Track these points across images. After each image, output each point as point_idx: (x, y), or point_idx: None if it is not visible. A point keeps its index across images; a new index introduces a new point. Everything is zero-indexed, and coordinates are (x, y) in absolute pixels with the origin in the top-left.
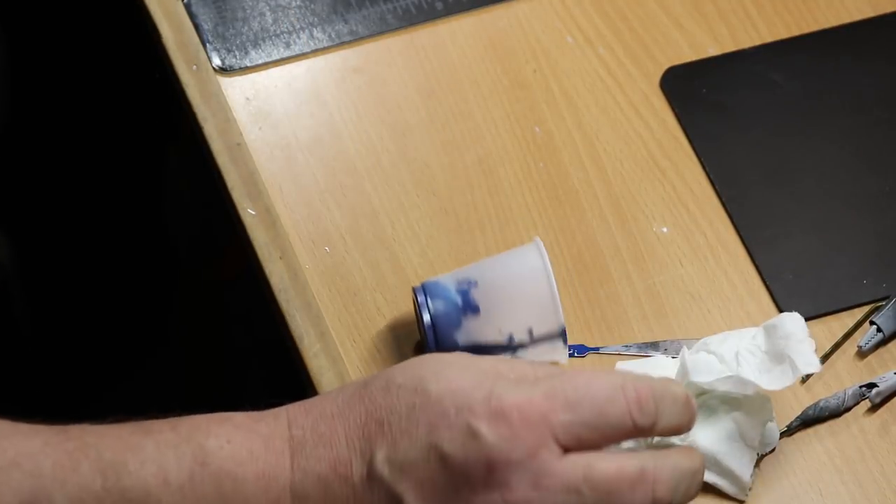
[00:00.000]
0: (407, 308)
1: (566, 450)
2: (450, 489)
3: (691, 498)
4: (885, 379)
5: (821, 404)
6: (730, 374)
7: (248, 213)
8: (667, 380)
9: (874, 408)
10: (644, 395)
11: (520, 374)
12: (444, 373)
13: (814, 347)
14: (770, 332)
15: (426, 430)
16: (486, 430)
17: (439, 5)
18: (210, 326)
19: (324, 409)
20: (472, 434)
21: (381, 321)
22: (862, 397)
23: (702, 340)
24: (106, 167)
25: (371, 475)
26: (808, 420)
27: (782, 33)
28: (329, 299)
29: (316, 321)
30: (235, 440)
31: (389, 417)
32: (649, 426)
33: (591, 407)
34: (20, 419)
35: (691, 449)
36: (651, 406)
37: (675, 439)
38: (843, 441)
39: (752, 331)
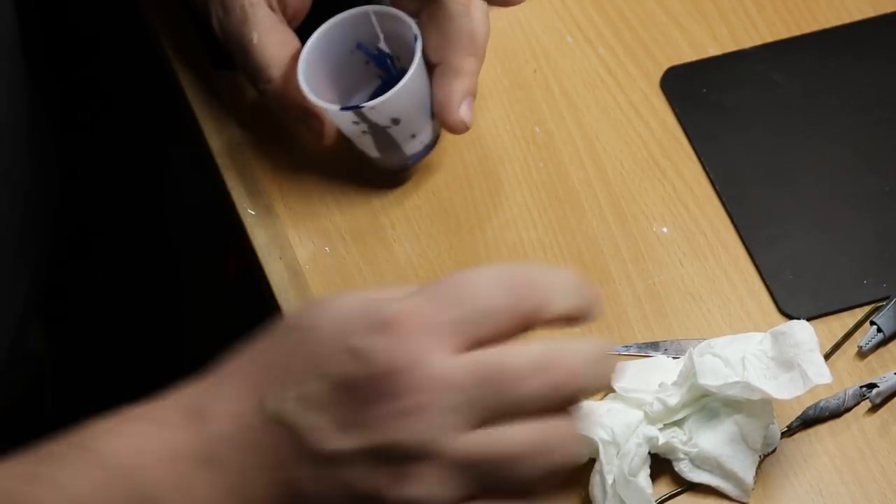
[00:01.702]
0: None
1: (459, 351)
2: (347, 418)
3: (606, 381)
4: (885, 379)
5: (821, 404)
6: (736, 378)
7: (249, 213)
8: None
9: (874, 408)
10: (530, 277)
11: (406, 290)
12: (324, 305)
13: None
14: (778, 338)
15: (309, 364)
16: (366, 345)
17: None
18: (210, 327)
19: (210, 376)
20: (353, 353)
21: None
22: (862, 397)
23: (705, 342)
24: (105, 167)
25: (268, 422)
26: (809, 420)
27: (782, 33)
28: None
29: None
30: (130, 433)
31: (273, 361)
32: (537, 308)
33: (474, 299)
34: None
35: (595, 340)
36: (537, 288)
37: (677, 442)
38: (843, 441)
39: (759, 336)
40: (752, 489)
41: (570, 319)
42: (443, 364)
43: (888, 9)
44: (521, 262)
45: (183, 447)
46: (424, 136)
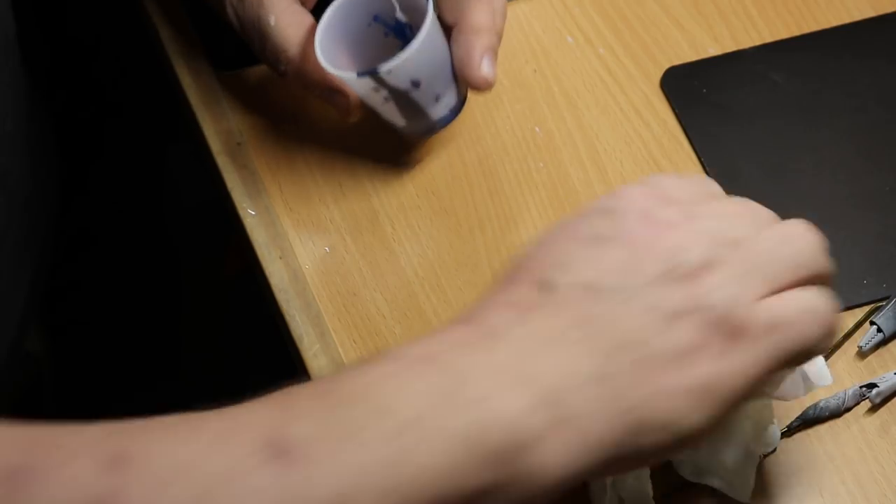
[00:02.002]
0: (407, 309)
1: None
2: (620, 254)
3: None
4: (885, 379)
5: (821, 405)
6: None
7: (248, 213)
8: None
9: (874, 408)
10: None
11: None
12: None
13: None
14: None
15: (563, 240)
16: (610, 204)
17: None
18: (210, 328)
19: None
20: (602, 212)
21: (381, 321)
22: (862, 397)
23: None
24: (105, 167)
25: (546, 291)
26: (809, 420)
27: (783, 33)
28: (329, 299)
29: (316, 321)
30: (415, 343)
31: (525, 265)
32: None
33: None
34: None
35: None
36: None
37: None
38: (843, 441)
39: None
40: (752, 489)
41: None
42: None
43: (888, 9)
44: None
45: (470, 338)
46: (449, 99)
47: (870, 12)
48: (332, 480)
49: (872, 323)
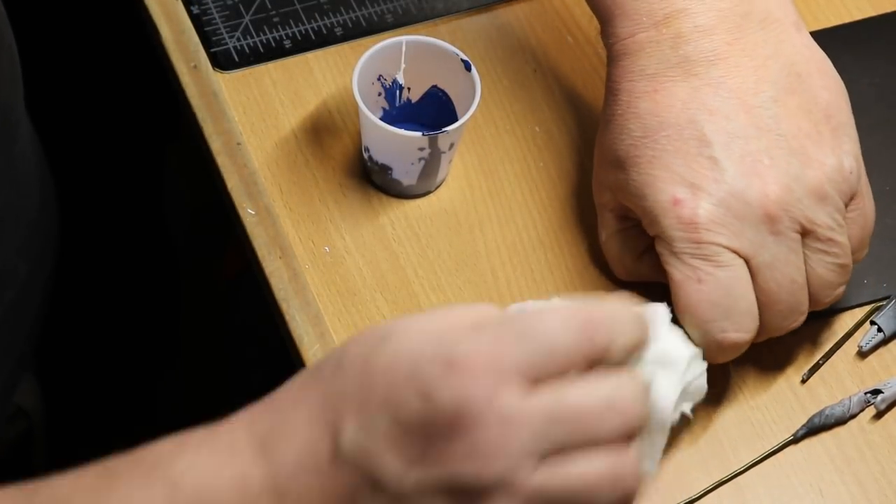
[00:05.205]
0: (407, 309)
1: (529, 385)
2: (421, 455)
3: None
4: (890, 385)
5: (826, 412)
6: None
7: (248, 213)
8: (615, 301)
9: (879, 414)
10: (596, 316)
11: (474, 320)
12: (393, 338)
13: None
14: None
15: (382, 403)
16: (438, 386)
17: (439, 5)
18: (210, 328)
19: (280, 402)
20: (426, 396)
21: (381, 321)
22: (867, 404)
23: None
24: (105, 167)
25: (339, 455)
26: (814, 428)
27: None
28: (329, 299)
29: (316, 321)
30: (200, 455)
31: (344, 397)
32: (604, 347)
33: (542, 336)
34: None
35: (634, 373)
36: (603, 326)
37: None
38: (844, 442)
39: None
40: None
41: (625, 354)
42: (511, 404)
43: (888, 8)
44: (586, 295)
45: (252, 479)
46: (449, 165)
47: (870, 12)
48: None
49: (873, 323)
